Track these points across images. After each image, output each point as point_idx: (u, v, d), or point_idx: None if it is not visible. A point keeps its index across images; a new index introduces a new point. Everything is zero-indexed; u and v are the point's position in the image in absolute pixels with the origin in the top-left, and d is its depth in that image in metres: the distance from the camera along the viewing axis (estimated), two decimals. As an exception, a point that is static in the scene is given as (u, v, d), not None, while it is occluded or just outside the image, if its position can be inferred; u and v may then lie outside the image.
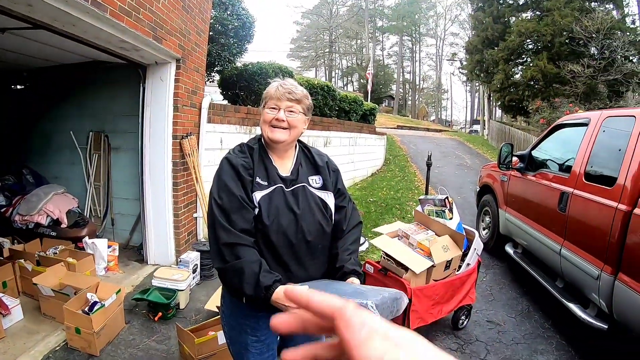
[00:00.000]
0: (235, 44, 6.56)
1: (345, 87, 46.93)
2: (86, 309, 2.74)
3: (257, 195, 1.35)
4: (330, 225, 1.48)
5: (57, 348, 2.71)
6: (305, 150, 1.57)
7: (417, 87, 48.53)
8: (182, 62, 4.02)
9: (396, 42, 46.89)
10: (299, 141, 1.55)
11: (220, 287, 3.32)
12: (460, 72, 31.58)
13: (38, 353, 2.63)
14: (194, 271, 3.77)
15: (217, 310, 2.98)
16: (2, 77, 5.32)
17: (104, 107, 4.74)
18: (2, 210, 4.52)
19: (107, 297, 2.86)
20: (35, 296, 3.20)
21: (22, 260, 3.45)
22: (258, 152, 1.44)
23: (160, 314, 3.11)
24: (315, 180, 1.49)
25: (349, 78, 50.77)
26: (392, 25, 44.40)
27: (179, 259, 3.83)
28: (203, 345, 2.45)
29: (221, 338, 2.45)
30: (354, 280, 1.38)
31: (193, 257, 3.78)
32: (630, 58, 13.02)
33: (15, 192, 4.75)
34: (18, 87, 5.55)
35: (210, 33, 5.38)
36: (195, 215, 4.58)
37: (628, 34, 13.58)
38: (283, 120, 1.39)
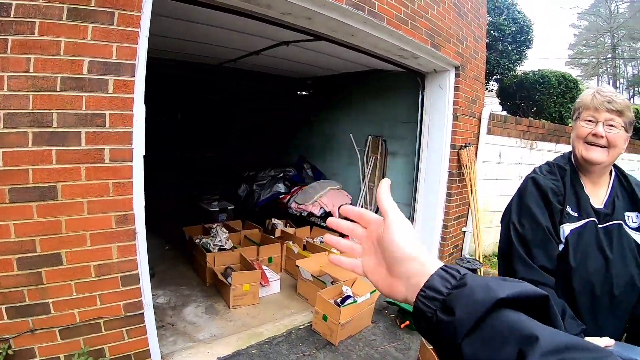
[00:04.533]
0: (514, 50, 6.07)
1: (632, 100, 36.85)
2: (338, 300, 2.92)
3: (566, 229, 1.15)
4: None
5: (301, 327, 2.98)
6: (621, 177, 1.28)
7: None
8: (461, 69, 3.90)
9: (691, 42, 33.20)
10: (614, 165, 1.27)
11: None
12: None
13: (282, 326, 2.96)
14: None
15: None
16: (290, 85, 6.48)
17: (383, 113, 5.09)
18: (281, 196, 5.48)
19: (361, 295, 2.97)
20: (294, 276, 3.68)
21: (290, 243, 4.05)
22: (569, 174, 1.22)
23: (407, 322, 3.07)
24: (632, 219, 1.20)
25: (636, 88, 39.64)
26: (683, 21, 31.57)
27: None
28: (441, 370, 2.20)
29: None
30: None
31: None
32: None
33: (294, 182, 5.71)
34: (303, 93, 6.64)
35: (487, 39, 5.10)
36: (464, 229, 4.39)
37: None
38: (602, 137, 1.15)
